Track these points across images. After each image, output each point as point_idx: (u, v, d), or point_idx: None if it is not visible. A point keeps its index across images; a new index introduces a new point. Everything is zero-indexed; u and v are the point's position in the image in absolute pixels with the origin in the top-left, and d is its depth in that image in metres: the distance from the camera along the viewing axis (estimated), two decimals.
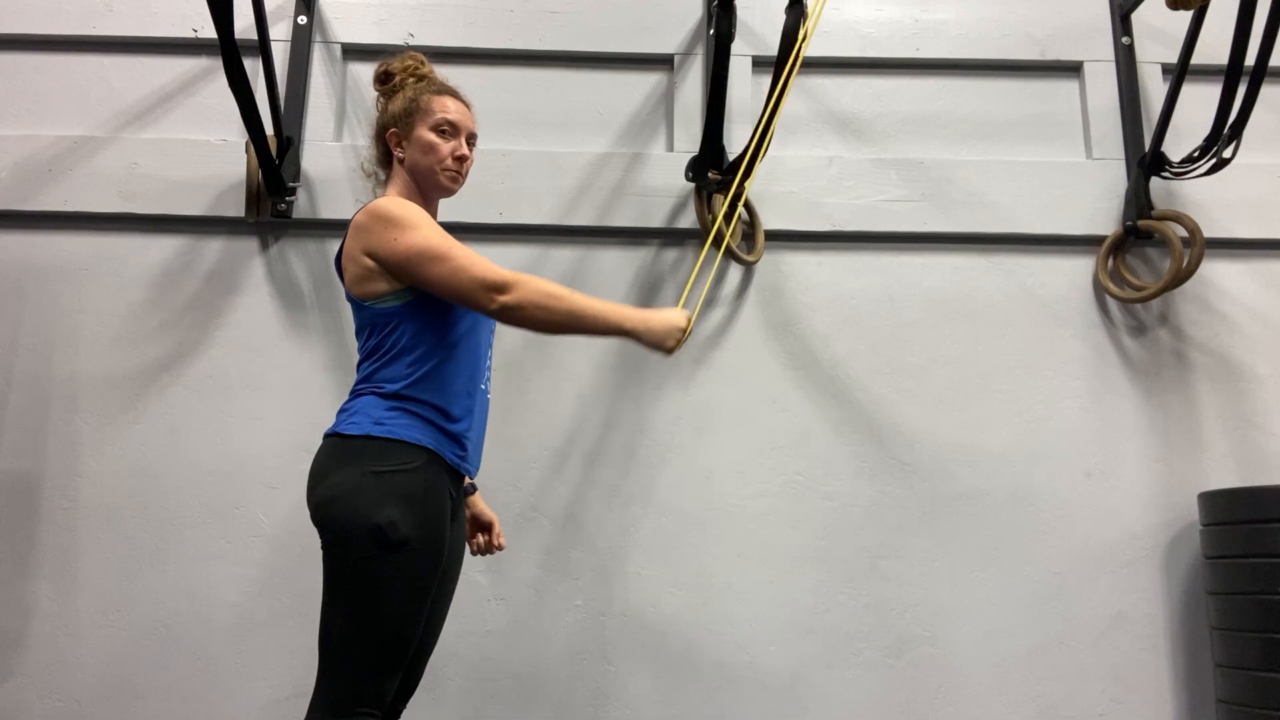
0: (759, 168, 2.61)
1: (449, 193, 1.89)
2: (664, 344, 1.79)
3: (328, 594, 1.64)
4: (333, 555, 1.64)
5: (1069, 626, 2.63)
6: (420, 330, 1.73)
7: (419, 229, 1.70)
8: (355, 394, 1.75)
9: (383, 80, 1.89)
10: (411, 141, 1.85)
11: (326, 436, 1.73)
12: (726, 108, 2.67)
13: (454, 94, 1.90)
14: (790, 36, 2.28)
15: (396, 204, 1.75)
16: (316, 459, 1.71)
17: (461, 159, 1.86)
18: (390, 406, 1.69)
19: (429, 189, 1.88)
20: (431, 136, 1.84)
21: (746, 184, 2.47)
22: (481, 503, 2.02)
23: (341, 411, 1.74)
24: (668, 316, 1.79)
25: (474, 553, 2.01)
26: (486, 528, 2.02)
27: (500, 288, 1.67)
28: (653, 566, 2.63)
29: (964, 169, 2.87)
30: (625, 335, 1.77)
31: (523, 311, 1.69)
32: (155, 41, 2.86)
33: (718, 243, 2.47)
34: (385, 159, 1.90)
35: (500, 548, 2.03)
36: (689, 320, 1.81)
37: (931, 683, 2.60)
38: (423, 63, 1.91)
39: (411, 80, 1.89)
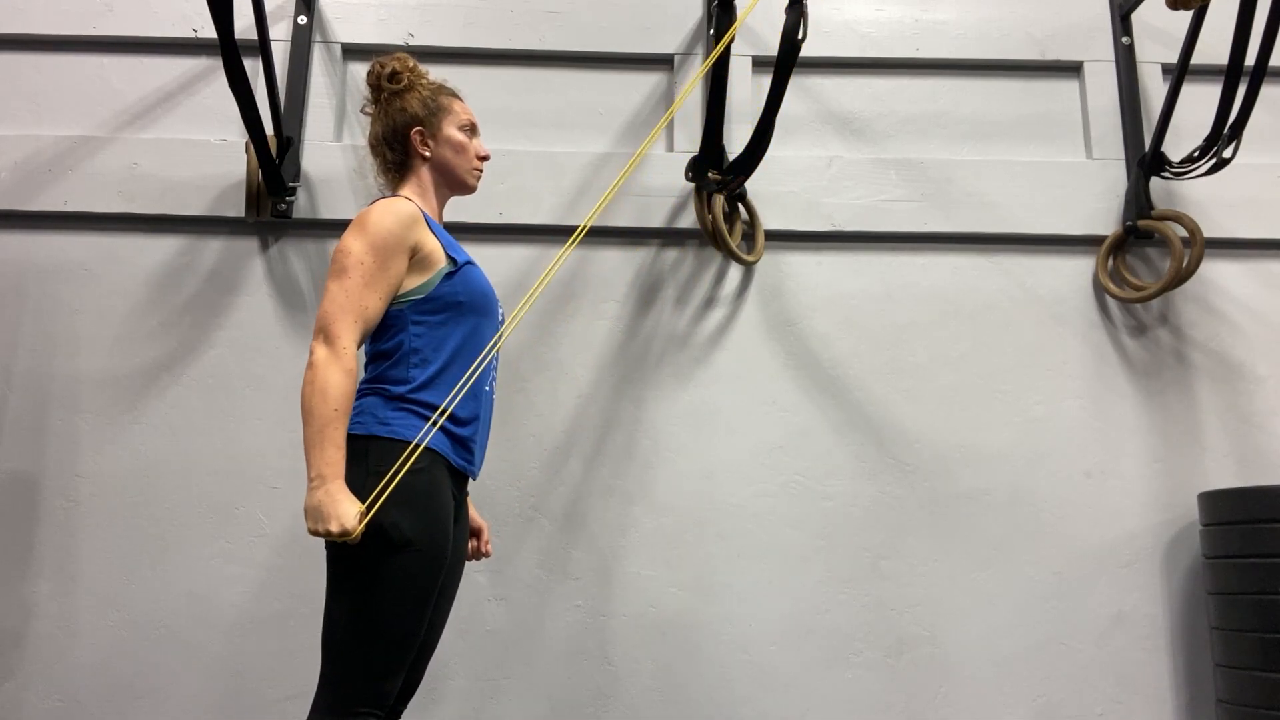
0: (759, 168, 2.62)
1: (471, 191, 1.97)
2: (309, 520, 1.55)
3: (331, 594, 1.64)
4: (336, 556, 1.64)
5: (1069, 626, 2.63)
6: (426, 333, 1.73)
7: (366, 241, 1.68)
8: (360, 394, 1.74)
9: (393, 79, 1.88)
10: (441, 141, 1.88)
11: None
12: (726, 108, 2.67)
13: (459, 95, 1.97)
14: (790, 36, 2.28)
15: (387, 209, 1.73)
16: None
17: (484, 159, 1.96)
18: (396, 408, 1.69)
19: (454, 187, 1.93)
20: (462, 137, 1.91)
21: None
22: (472, 508, 2.01)
23: None
24: (337, 509, 1.53)
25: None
26: (475, 533, 2.02)
27: (325, 338, 1.62)
28: (653, 566, 2.63)
29: (964, 169, 2.87)
30: (310, 480, 1.57)
31: (307, 372, 1.61)
32: (155, 41, 2.86)
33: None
34: (401, 159, 1.88)
35: (487, 554, 2.03)
36: (344, 530, 1.52)
37: (931, 683, 2.60)
38: (417, 63, 1.92)
39: (422, 80, 1.90)
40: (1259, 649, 2.33)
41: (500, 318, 1.92)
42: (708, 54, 2.86)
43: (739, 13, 2.67)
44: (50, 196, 2.73)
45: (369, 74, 1.90)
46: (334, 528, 1.52)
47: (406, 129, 1.86)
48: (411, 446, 1.65)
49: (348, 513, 1.53)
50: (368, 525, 1.58)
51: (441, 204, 1.93)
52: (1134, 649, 2.63)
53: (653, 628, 2.60)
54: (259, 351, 2.69)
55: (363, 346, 1.81)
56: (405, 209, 1.75)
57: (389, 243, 1.69)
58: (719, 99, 2.58)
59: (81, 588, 2.56)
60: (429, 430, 1.67)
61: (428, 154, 1.87)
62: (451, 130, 1.89)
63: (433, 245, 1.76)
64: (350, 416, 1.71)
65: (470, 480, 1.86)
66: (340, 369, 1.61)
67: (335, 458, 1.57)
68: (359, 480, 1.63)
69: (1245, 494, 2.45)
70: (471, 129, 1.93)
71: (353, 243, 1.68)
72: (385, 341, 1.74)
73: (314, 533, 1.54)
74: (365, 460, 1.64)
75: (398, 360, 1.72)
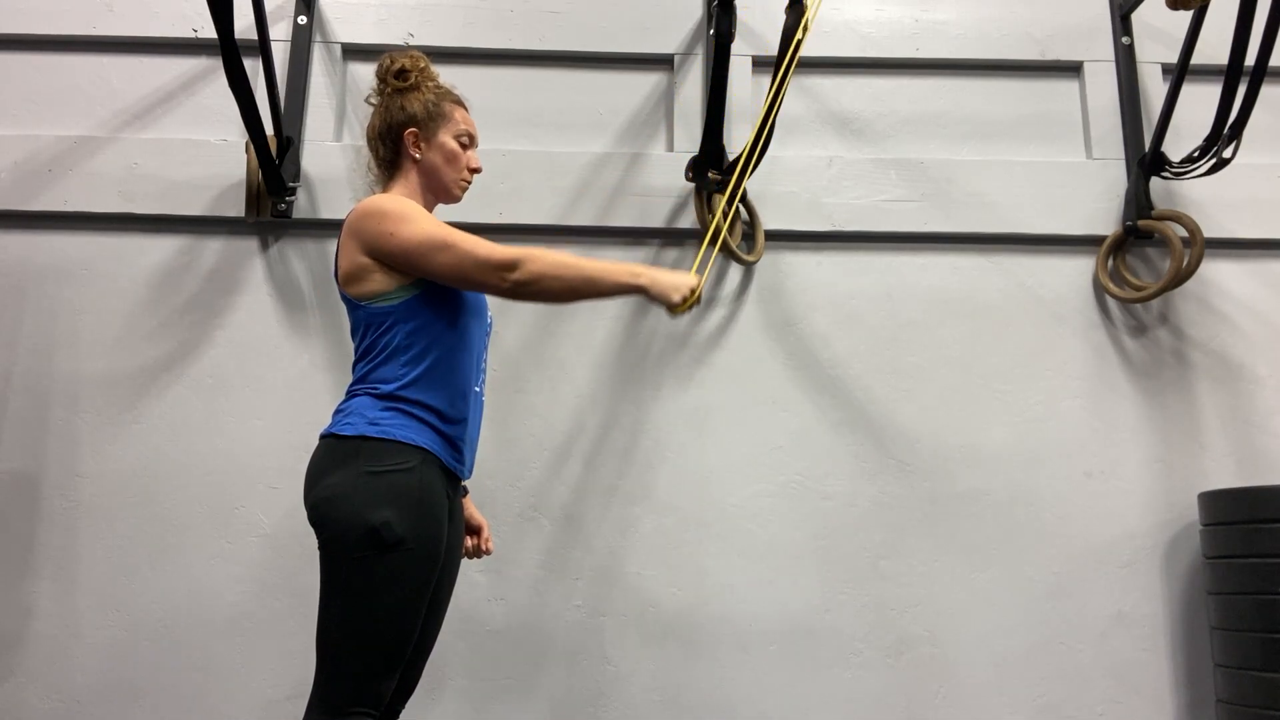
0: (758, 168, 2.62)
1: (455, 201, 1.95)
2: (670, 297, 1.72)
3: (325, 594, 1.64)
4: (329, 555, 1.64)
5: (1069, 626, 2.63)
6: (415, 330, 1.73)
7: (416, 221, 1.71)
8: (350, 394, 1.74)
9: (400, 76, 1.87)
10: (434, 146, 1.86)
11: (322, 437, 1.72)
12: (726, 108, 2.67)
13: (465, 104, 1.95)
14: (790, 36, 2.28)
15: (390, 199, 1.75)
16: (312, 460, 1.71)
17: (476, 171, 1.94)
18: (385, 407, 1.69)
19: (439, 194, 1.91)
20: (455, 145, 1.89)
21: (744, 183, 2.46)
22: (471, 505, 2.01)
23: (337, 412, 1.74)
24: (671, 277, 1.74)
25: (463, 555, 2.01)
26: (476, 531, 2.02)
27: (510, 265, 1.68)
28: (653, 566, 2.63)
29: (964, 169, 2.87)
30: (637, 291, 1.73)
31: (538, 284, 1.68)
32: (155, 41, 2.86)
33: (715, 240, 2.45)
34: (393, 157, 1.88)
35: (488, 552, 2.03)
36: (699, 283, 1.75)
37: (931, 683, 2.60)
38: (428, 63, 1.91)
39: (428, 82, 1.89)
40: (1259, 649, 2.33)
41: (489, 319, 1.92)
42: (708, 54, 2.86)
43: (739, 13, 2.68)
44: (50, 196, 2.73)
45: (378, 66, 1.89)
46: (687, 282, 1.74)
47: (401, 128, 1.85)
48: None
49: (678, 276, 1.74)
50: (359, 524, 1.59)
51: (429, 208, 1.91)
52: (1134, 649, 2.63)
53: (653, 628, 2.60)
54: (259, 351, 2.69)
55: (353, 345, 1.81)
56: (398, 196, 1.80)
57: (419, 207, 1.77)
58: (719, 99, 2.58)
59: (81, 588, 2.56)
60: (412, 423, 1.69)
61: (418, 156, 1.86)
62: (446, 138, 1.87)
63: None
64: (341, 418, 1.71)
65: (463, 480, 1.85)
66: (534, 257, 1.69)
67: (616, 266, 1.75)
68: (351, 480, 1.62)
69: (1245, 494, 2.45)
70: (469, 139, 1.91)
71: (408, 228, 1.70)
72: (374, 340, 1.74)
73: (683, 301, 1.72)
74: (356, 460, 1.64)
75: (387, 358, 1.72)
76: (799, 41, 2.30)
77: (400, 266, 1.72)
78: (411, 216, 1.71)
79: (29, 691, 2.51)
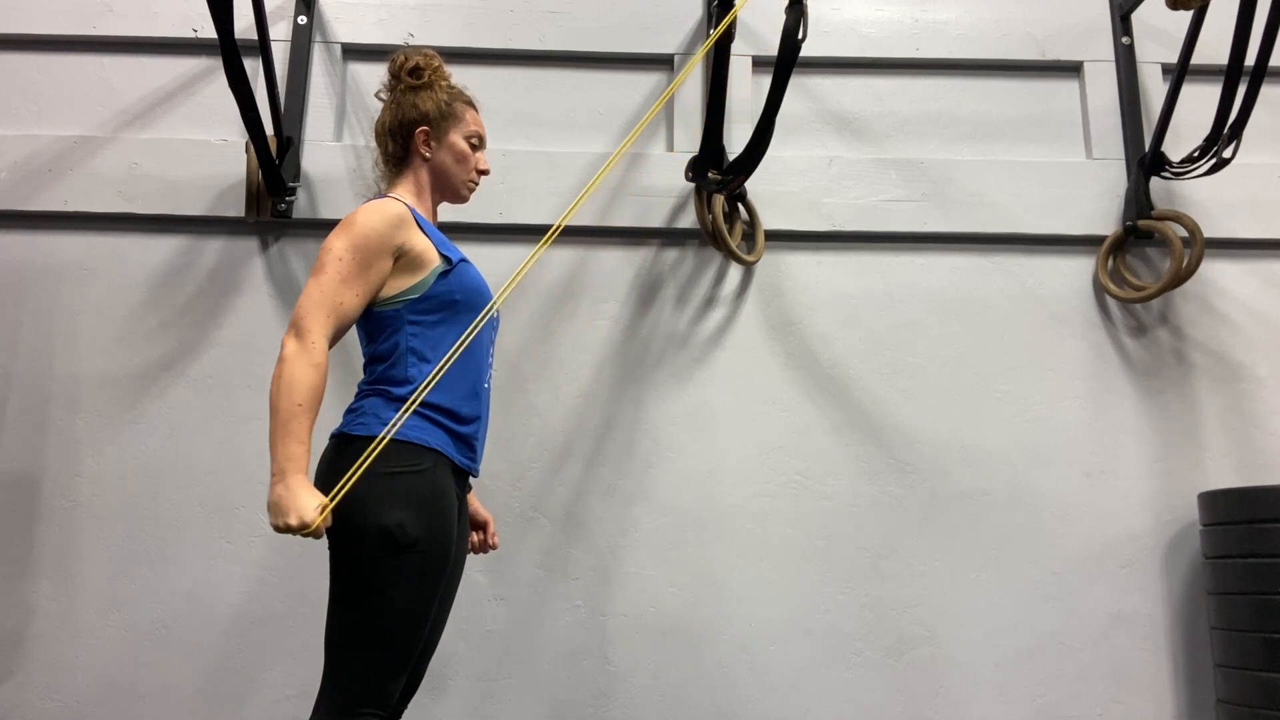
0: (759, 168, 2.62)
1: (462, 201, 1.96)
2: (272, 516, 1.52)
3: (335, 594, 1.64)
4: (340, 556, 1.64)
5: (1069, 626, 2.63)
6: (422, 332, 1.73)
7: (348, 240, 1.67)
8: (362, 394, 1.74)
9: (414, 74, 1.87)
10: (444, 145, 1.87)
11: (333, 436, 1.72)
12: (726, 108, 2.67)
13: (476, 105, 1.95)
14: (790, 36, 2.28)
15: (375, 210, 1.72)
16: (323, 459, 1.71)
17: (484, 173, 1.95)
18: (398, 409, 1.68)
19: (446, 194, 1.92)
20: (465, 146, 1.90)
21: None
22: (476, 501, 2.01)
23: (349, 412, 1.73)
24: (296, 502, 1.50)
25: (468, 550, 2.01)
26: (481, 526, 2.02)
27: (296, 332, 1.61)
28: (653, 566, 2.63)
29: (964, 169, 2.87)
30: (272, 475, 1.56)
31: (278, 366, 1.59)
32: (155, 41, 2.86)
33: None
34: (401, 154, 1.88)
35: (494, 547, 2.03)
36: (303, 524, 1.50)
37: (931, 683, 2.60)
38: (442, 63, 1.92)
39: (441, 82, 1.89)
40: (1259, 649, 2.33)
41: (495, 314, 1.92)
42: (708, 54, 2.86)
43: (739, 13, 2.68)
44: (50, 196, 2.73)
45: (392, 62, 1.90)
46: (293, 521, 1.50)
47: (412, 126, 1.86)
48: (378, 440, 1.62)
49: (306, 505, 1.51)
50: (372, 525, 1.58)
51: (435, 206, 1.93)
52: (1134, 649, 2.63)
53: (653, 628, 2.60)
54: (259, 351, 2.69)
55: (361, 346, 1.82)
56: (393, 209, 1.74)
57: (371, 242, 1.69)
58: (719, 99, 2.58)
59: (81, 588, 2.56)
60: (396, 421, 1.66)
61: (427, 155, 1.86)
62: (457, 138, 1.88)
63: (423, 245, 1.75)
64: (353, 417, 1.71)
65: (472, 477, 1.86)
66: (308, 363, 1.59)
67: (296, 452, 1.54)
68: (364, 481, 1.62)
69: (1245, 494, 2.45)
70: (479, 141, 1.93)
71: (335, 241, 1.68)
72: (382, 342, 1.74)
73: (276, 528, 1.52)
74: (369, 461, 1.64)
75: (395, 360, 1.72)
76: (798, 41, 2.29)
77: None
78: (354, 233, 1.68)
79: (29, 691, 2.51)
